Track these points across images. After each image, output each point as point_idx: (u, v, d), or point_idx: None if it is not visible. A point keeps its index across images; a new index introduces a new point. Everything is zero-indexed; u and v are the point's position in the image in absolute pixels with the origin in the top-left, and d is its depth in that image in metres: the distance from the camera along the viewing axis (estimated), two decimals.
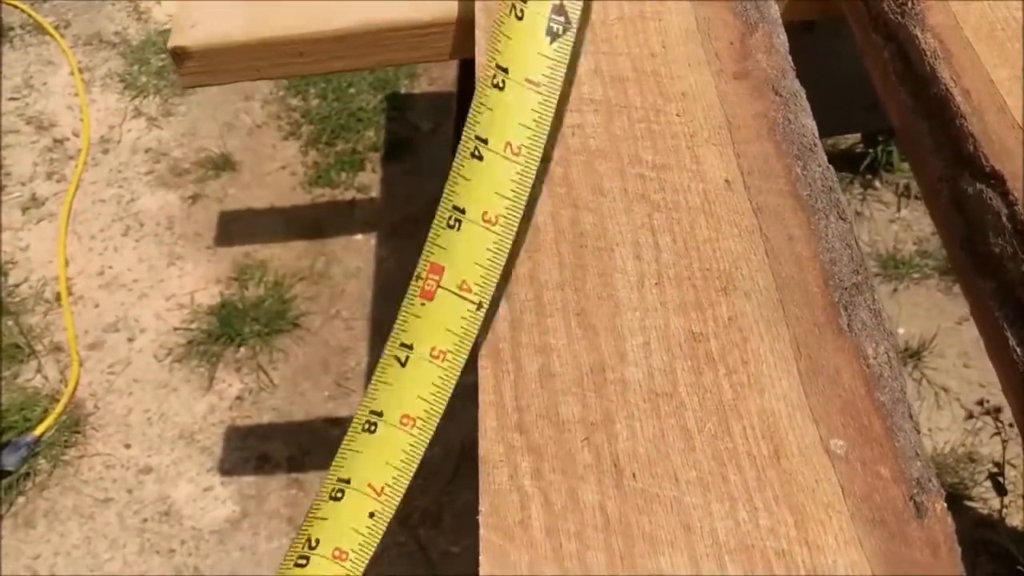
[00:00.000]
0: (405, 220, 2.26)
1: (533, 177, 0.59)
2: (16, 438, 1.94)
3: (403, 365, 0.56)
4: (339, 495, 0.53)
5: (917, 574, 0.46)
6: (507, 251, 0.57)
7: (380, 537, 0.53)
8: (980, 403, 1.59)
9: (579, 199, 0.64)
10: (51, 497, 1.89)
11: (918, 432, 0.53)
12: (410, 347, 0.56)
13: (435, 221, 0.58)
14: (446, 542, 1.78)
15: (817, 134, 0.67)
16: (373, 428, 0.56)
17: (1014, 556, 1.56)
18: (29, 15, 2.89)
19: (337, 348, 2.07)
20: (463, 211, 0.57)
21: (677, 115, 0.67)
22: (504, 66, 0.60)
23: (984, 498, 1.70)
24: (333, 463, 0.57)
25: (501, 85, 0.60)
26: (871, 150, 2.20)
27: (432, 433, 0.56)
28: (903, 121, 0.73)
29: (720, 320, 0.56)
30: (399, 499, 0.54)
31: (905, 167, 2.25)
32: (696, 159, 0.65)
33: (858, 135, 2.21)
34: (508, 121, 0.59)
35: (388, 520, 0.53)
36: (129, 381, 2.06)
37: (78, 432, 1.98)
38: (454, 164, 0.59)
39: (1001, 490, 1.52)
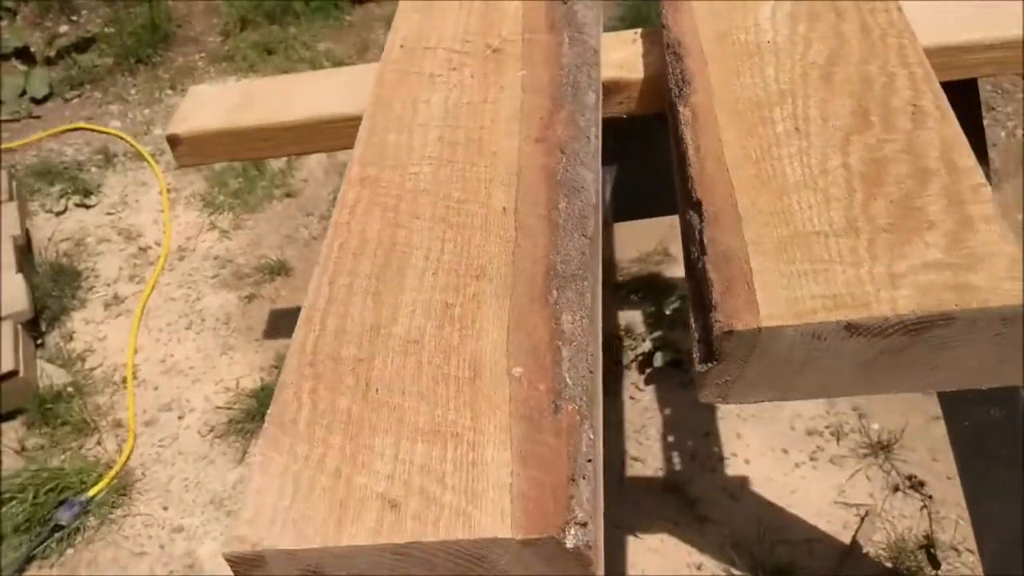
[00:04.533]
0: None
1: None
2: (72, 497, 2.20)
3: None
4: None
5: (540, 449, 0.65)
6: None
7: None
8: (908, 478, 1.70)
9: (400, 222, 0.87)
10: (95, 550, 2.13)
11: (592, 372, 0.72)
12: None
13: None
14: None
15: (594, 178, 0.89)
16: None
17: None
18: (131, 144, 3.34)
19: None
20: None
21: (485, 166, 0.91)
22: None
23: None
24: None
25: None
26: None
27: None
28: (676, 186, 0.94)
29: (467, 295, 0.78)
30: None
31: None
32: (488, 195, 0.88)
33: None
34: None
35: None
36: (175, 453, 2.32)
37: (125, 495, 2.23)
38: None
39: (934, 562, 1.61)
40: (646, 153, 1.24)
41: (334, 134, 1.20)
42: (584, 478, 0.64)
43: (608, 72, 1.14)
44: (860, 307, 0.70)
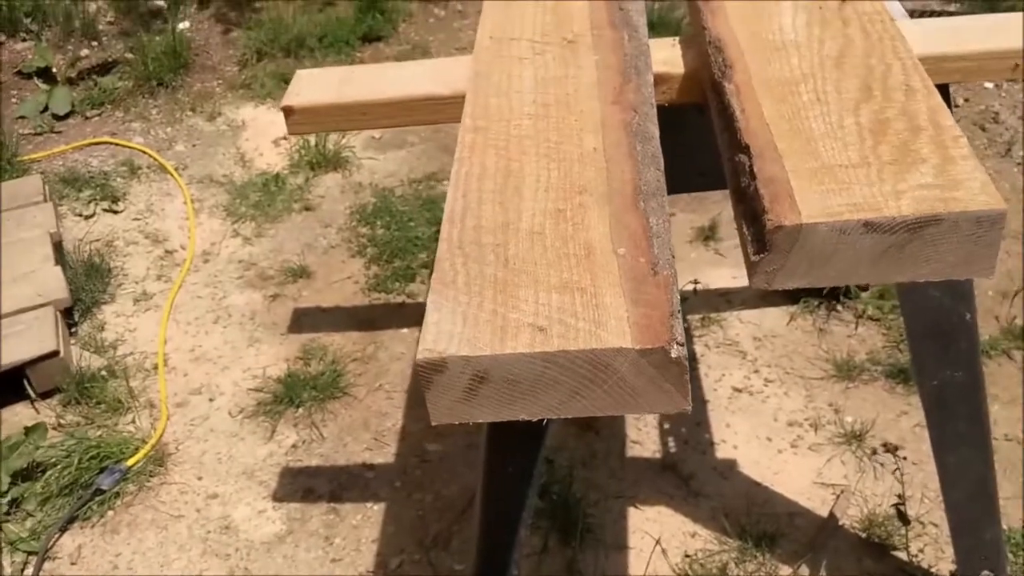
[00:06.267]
0: None
1: None
2: (112, 465, 2.38)
3: None
4: None
5: (646, 298, 0.89)
6: None
7: None
8: (883, 445, 1.94)
9: (511, 156, 1.11)
10: (135, 512, 2.30)
11: (672, 255, 0.97)
12: None
13: None
14: (452, 561, 2.13)
15: (657, 134, 1.15)
16: None
17: None
18: (154, 158, 3.56)
19: (377, 412, 2.50)
20: None
21: (575, 120, 1.16)
22: None
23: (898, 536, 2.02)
24: None
25: None
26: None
27: None
28: (719, 143, 1.19)
29: (575, 204, 1.02)
30: None
31: (864, 296, 2.68)
32: (580, 140, 1.12)
33: None
34: None
35: None
36: (206, 431, 2.51)
37: (161, 466, 2.41)
38: None
39: (904, 519, 1.85)
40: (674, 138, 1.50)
41: (421, 111, 1.44)
42: (679, 319, 0.88)
43: (655, 68, 1.40)
44: (874, 210, 0.95)
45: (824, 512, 2.16)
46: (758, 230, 0.99)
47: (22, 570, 2.19)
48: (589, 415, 0.90)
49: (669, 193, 1.49)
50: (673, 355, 0.84)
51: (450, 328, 0.89)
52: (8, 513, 2.28)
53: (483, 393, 0.89)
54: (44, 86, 4.08)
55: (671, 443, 2.36)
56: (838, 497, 2.18)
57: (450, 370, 0.87)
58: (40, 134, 3.84)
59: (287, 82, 3.90)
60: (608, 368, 0.86)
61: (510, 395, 0.89)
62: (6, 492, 2.30)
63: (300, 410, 2.53)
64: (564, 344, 0.85)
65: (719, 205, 3.08)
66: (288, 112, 1.46)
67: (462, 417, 0.91)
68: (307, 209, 3.28)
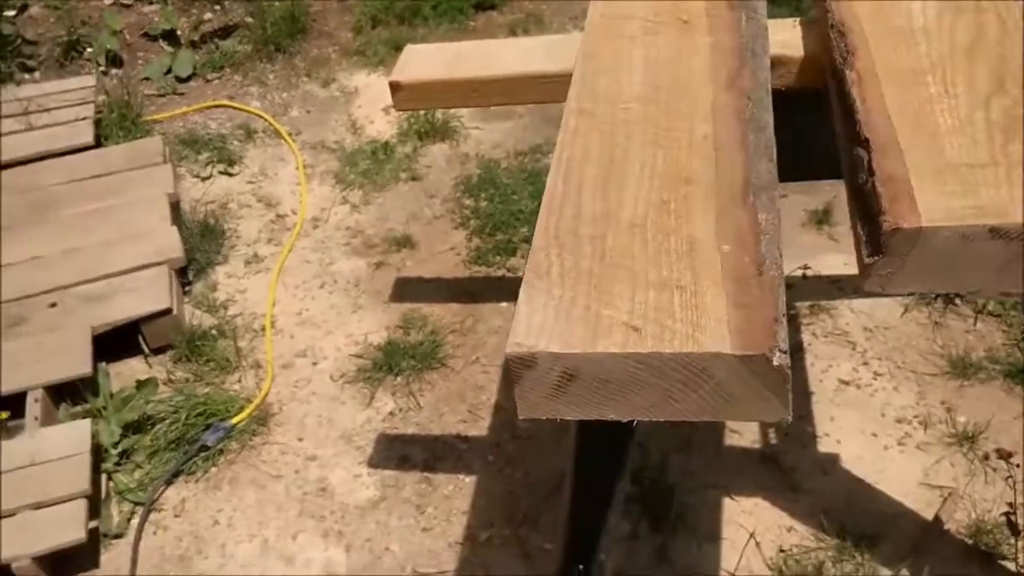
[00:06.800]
0: None
1: None
2: (217, 423, 2.45)
3: None
4: None
5: (749, 299, 0.85)
6: None
7: None
8: (997, 450, 1.84)
9: (616, 142, 1.08)
10: (236, 470, 2.37)
11: (780, 255, 0.92)
12: None
13: None
14: (540, 539, 2.13)
15: (771, 122, 1.09)
16: None
17: None
18: (270, 123, 3.63)
19: (473, 385, 2.51)
20: None
21: (686, 105, 1.12)
22: None
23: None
24: None
25: None
26: None
27: None
28: (837, 133, 1.13)
29: (680, 193, 0.98)
30: None
31: None
32: (691, 127, 1.08)
33: None
34: None
35: None
36: (308, 394, 2.56)
37: (264, 426, 2.47)
38: None
39: (1014, 529, 1.76)
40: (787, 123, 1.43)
41: (534, 89, 1.41)
42: (783, 323, 0.84)
43: (773, 50, 1.34)
44: (1001, 215, 0.89)
45: (929, 515, 2.08)
46: (874, 231, 0.93)
47: (129, 519, 2.28)
48: (682, 419, 0.87)
49: (791, 180, 1.43)
50: (775, 363, 0.80)
51: (541, 322, 0.87)
52: (118, 463, 2.38)
53: (572, 391, 0.86)
54: (168, 48, 4.20)
55: (771, 434, 2.30)
56: (945, 500, 2.09)
57: (540, 365, 0.85)
58: (163, 95, 3.96)
59: (399, 49, 3.93)
60: (704, 373, 0.83)
61: (600, 395, 0.86)
62: (118, 443, 2.40)
63: (398, 378, 2.55)
64: (659, 346, 0.82)
65: (834, 187, 2.96)
66: (395, 88, 1.45)
67: (550, 413, 0.89)
68: (414, 179, 3.30)
